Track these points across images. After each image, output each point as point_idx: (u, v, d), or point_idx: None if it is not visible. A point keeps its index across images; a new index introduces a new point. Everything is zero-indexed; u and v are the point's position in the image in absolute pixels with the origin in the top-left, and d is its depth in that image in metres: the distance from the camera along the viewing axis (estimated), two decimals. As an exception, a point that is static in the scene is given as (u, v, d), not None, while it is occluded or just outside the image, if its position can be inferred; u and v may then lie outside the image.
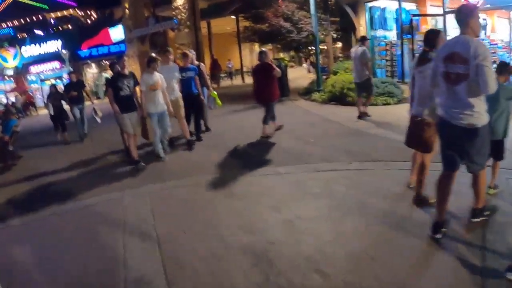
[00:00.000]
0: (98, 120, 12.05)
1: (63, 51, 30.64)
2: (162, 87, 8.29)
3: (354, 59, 10.70)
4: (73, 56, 34.76)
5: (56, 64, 34.75)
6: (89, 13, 43.86)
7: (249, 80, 29.75)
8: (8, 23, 41.53)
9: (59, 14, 42.54)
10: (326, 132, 9.61)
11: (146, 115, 8.25)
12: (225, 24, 30.74)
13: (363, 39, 11.01)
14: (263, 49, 10.31)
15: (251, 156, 8.38)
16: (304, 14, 15.48)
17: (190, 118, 9.84)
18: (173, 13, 27.11)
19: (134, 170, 8.02)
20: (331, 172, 6.59)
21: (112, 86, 8.21)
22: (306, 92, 15.90)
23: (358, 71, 10.63)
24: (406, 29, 15.02)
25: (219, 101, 10.89)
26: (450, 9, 13.79)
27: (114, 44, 34.41)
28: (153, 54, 13.97)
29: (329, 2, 16.42)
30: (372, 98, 11.17)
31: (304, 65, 31.55)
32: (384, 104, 12.23)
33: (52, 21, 41.62)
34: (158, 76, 8.18)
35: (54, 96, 13.00)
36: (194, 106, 9.66)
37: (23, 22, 41.29)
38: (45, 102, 16.37)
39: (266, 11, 15.84)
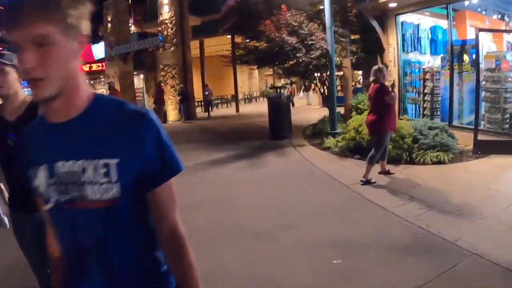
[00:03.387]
0: (5, 223, 3.32)
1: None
2: None
3: None
4: (51, 74, 31.04)
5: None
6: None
7: (244, 109, 25.94)
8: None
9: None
10: (366, 235, 5.07)
11: None
12: (221, 44, 26.85)
13: None
14: (380, 65, 8.18)
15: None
16: (316, 28, 11.21)
17: None
18: (159, 28, 23.19)
19: None
20: None
21: None
22: (314, 134, 11.68)
23: None
24: (458, 51, 10.81)
25: None
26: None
27: (96, 62, 30.72)
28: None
29: (350, 14, 12.24)
30: None
31: (301, 94, 27.25)
32: (435, 163, 8.02)
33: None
34: None
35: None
36: None
37: None
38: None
39: (263, 22, 11.35)
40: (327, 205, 6.11)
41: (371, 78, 7.37)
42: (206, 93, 24.19)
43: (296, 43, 10.70)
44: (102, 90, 29.76)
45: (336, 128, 10.48)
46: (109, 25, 25.75)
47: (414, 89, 12.43)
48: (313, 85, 26.19)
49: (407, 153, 8.29)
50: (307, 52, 10.84)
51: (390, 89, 7.25)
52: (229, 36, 22.92)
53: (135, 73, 29.26)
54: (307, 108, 22.89)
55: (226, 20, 21.08)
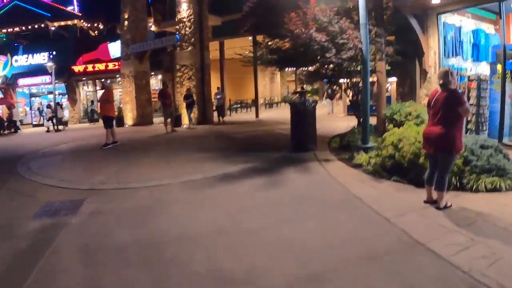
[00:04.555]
0: None
1: (49, 63, 25.77)
2: None
3: None
4: (67, 71, 30.24)
5: (47, 77, 29.88)
6: (95, 25, 39.60)
7: (264, 114, 24.57)
8: (4, 29, 37.36)
9: (62, 23, 38.11)
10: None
11: None
12: (242, 46, 25.53)
13: None
14: (447, 67, 6.49)
15: None
16: (347, 25, 9.72)
17: None
18: (177, 27, 22.01)
19: None
20: None
21: None
22: (342, 147, 10.25)
23: None
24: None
25: None
26: None
27: (113, 60, 29.76)
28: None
29: (385, 13, 10.82)
30: None
31: (324, 101, 25.55)
32: (490, 190, 6.51)
33: (51, 32, 37.10)
34: None
35: None
36: None
37: (18, 30, 36.93)
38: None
39: (286, 15, 9.77)
40: (364, 248, 4.67)
41: (440, 81, 5.91)
42: (218, 96, 22.35)
43: (325, 41, 9.24)
44: (119, 90, 28.85)
45: (368, 142, 9.05)
46: (126, 22, 24.73)
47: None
48: (337, 92, 24.72)
49: (457, 177, 6.84)
50: (338, 52, 9.39)
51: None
52: (251, 38, 21.61)
53: (152, 73, 28.20)
54: (329, 116, 21.40)
55: (247, 19, 19.81)
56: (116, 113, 14.04)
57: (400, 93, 11.77)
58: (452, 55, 11.37)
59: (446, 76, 5.75)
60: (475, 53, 11.88)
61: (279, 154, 10.35)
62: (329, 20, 9.46)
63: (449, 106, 5.66)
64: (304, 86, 18.93)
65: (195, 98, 19.99)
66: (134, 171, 9.55)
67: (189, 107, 19.23)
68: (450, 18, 11.30)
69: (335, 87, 15.53)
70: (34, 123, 33.14)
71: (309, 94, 13.58)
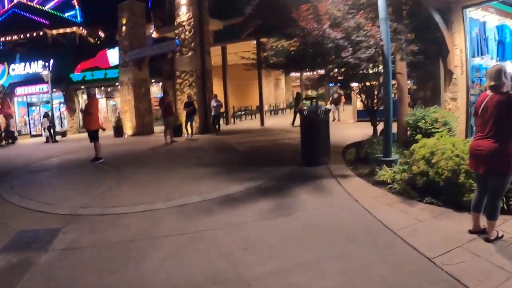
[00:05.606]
0: None
1: (44, 72, 24.74)
2: None
3: None
4: (65, 80, 29.25)
5: (45, 86, 28.84)
6: (95, 32, 38.80)
7: (270, 122, 23.45)
8: (1, 38, 36.58)
9: (61, 31, 37.30)
10: None
11: None
12: (245, 51, 24.31)
13: None
14: (500, 64, 5.02)
15: None
16: (364, 22, 8.54)
17: None
18: (176, 31, 20.94)
19: None
20: None
21: None
22: (359, 159, 9.10)
23: None
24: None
25: None
26: None
27: (112, 68, 28.73)
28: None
29: (405, 8, 9.70)
30: None
31: (329, 106, 24.14)
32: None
33: (49, 40, 36.25)
34: None
35: None
36: None
37: (16, 38, 36.11)
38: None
39: (295, 10, 8.63)
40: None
41: (491, 83, 4.69)
42: (214, 104, 20.22)
43: (340, 39, 8.08)
44: (118, 96, 27.87)
45: (391, 154, 7.89)
46: (124, 28, 23.74)
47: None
48: (343, 98, 23.52)
49: (503, 199, 5.65)
50: (354, 51, 8.21)
51: None
52: (254, 42, 20.49)
53: (152, 81, 27.15)
54: (337, 123, 20.17)
55: (250, 22, 18.84)
56: (98, 126, 12.77)
57: (421, 98, 10.59)
58: (478, 54, 10.24)
59: (498, 76, 4.58)
60: (501, 52, 10.81)
61: (288, 169, 9.15)
62: (343, 15, 8.32)
63: (502, 113, 4.52)
64: (302, 91, 17.75)
65: (196, 106, 18.86)
66: (123, 192, 8.39)
67: (190, 116, 18.06)
68: (474, 13, 10.18)
69: (344, 91, 14.36)
70: (32, 133, 32.12)
71: (313, 100, 12.58)
